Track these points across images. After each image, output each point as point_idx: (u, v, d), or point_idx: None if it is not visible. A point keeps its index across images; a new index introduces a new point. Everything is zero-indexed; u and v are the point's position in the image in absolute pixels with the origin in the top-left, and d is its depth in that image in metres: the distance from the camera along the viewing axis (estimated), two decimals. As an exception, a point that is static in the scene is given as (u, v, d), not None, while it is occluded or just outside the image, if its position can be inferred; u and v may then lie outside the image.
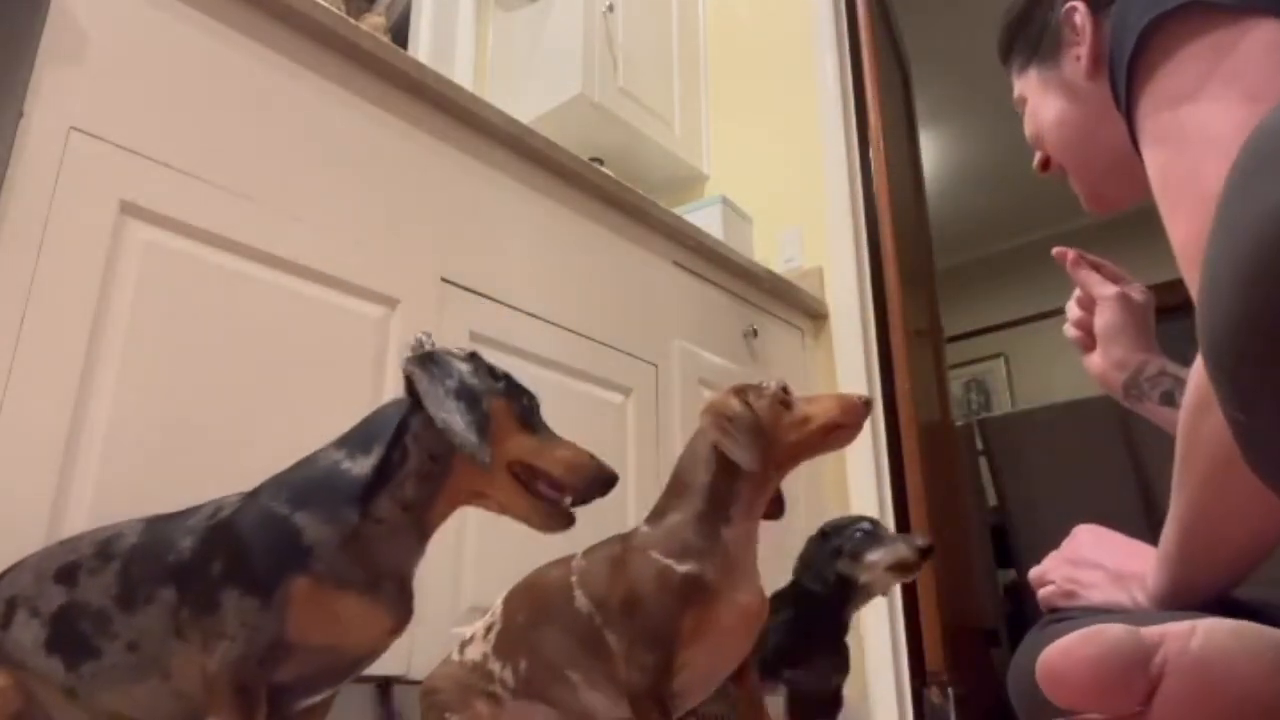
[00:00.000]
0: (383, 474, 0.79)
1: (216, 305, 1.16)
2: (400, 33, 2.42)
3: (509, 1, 2.61)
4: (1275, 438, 0.40)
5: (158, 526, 0.82)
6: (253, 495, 0.81)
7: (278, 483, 0.81)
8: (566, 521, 0.84)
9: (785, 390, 1.00)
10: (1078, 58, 0.83)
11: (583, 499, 0.85)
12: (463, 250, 1.50)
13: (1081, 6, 0.82)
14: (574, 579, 0.96)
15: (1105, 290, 0.92)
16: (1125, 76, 0.65)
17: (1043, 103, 0.89)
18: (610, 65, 2.44)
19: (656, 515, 0.98)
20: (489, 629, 1.03)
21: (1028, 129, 0.93)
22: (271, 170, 1.26)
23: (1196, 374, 0.57)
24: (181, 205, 1.15)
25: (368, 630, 0.78)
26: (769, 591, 1.02)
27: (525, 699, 0.99)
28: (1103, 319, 0.92)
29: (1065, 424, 2.82)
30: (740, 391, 0.99)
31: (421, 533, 0.82)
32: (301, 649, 0.75)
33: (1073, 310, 0.97)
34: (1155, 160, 0.64)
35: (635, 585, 0.91)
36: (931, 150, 4.54)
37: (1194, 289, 0.56)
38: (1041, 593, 0.87)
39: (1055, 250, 0.98)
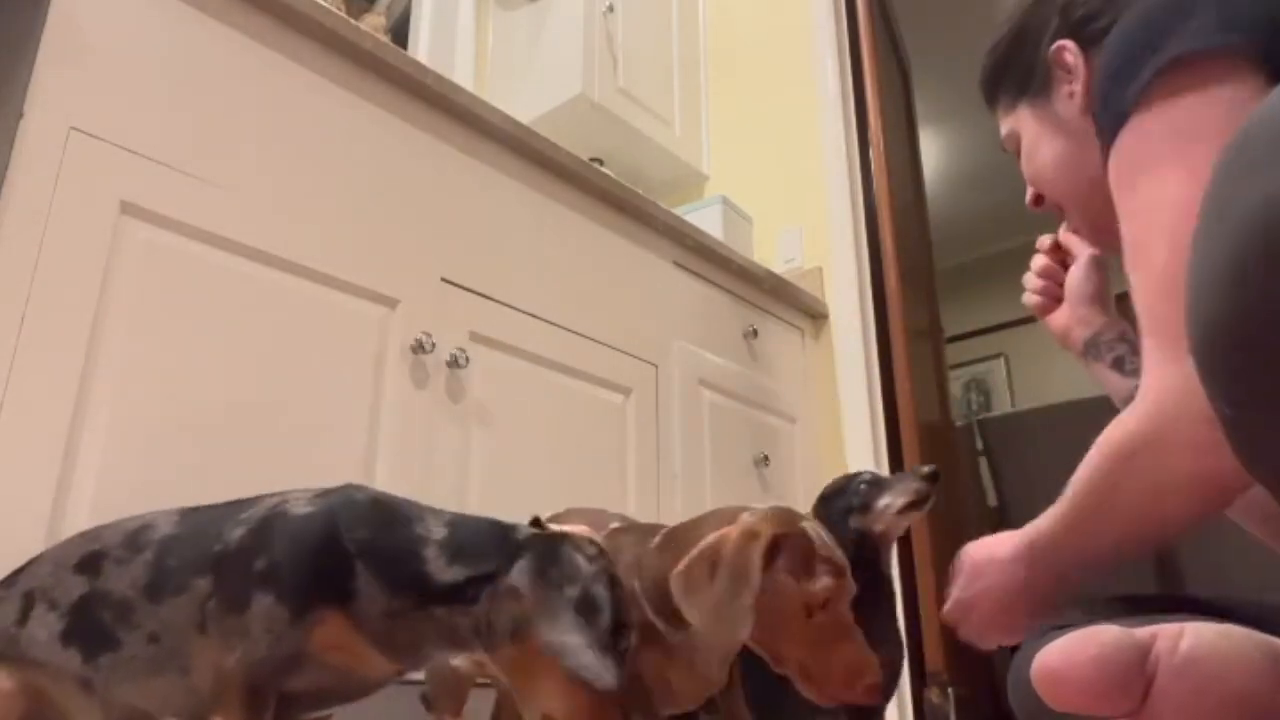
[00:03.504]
0: (450, 595, 0.73)
1: (216, 305, 1.16)
2: (400, 33, 2.42)
3: (509, 1, 2.61)
4: (1262, 432, 0.40)
5: (198, 517, 0.80)
6: (329, 505, 0.76)
7: (362, 513, 0.76)
8: None
9: (827, 604, 0.81)
10: (1071, 95, 0.83)
11: None
12: (463, 250, 1.50)
13: (1071, 44, 0.82)
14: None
15: (1085, 251, 0.97)
16: (1103, 130, 0.68)
17: (1039, 141, 0.89)
18: (610, 65, 2.44)
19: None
20: None
21: (1025, 168, 0.93)
22: (271, 170, 1.26)
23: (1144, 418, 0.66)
24: (181, 205, 1.15)
25: (379, 672, 0.77)
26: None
27: None
28: (1075, 277, 0.96)
29: (1065, 424, 2.81)
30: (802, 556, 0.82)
31: (455, 647, 0.76)
32: (319, 664, 0.74)
33: (1032, 280, 1.01)
34: (1120, 219, 0.67)
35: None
36: (931, 150, 4.53)
37: (1148, 350, 0.65)
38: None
39: (1044, 244, 1.03)
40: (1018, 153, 0.94)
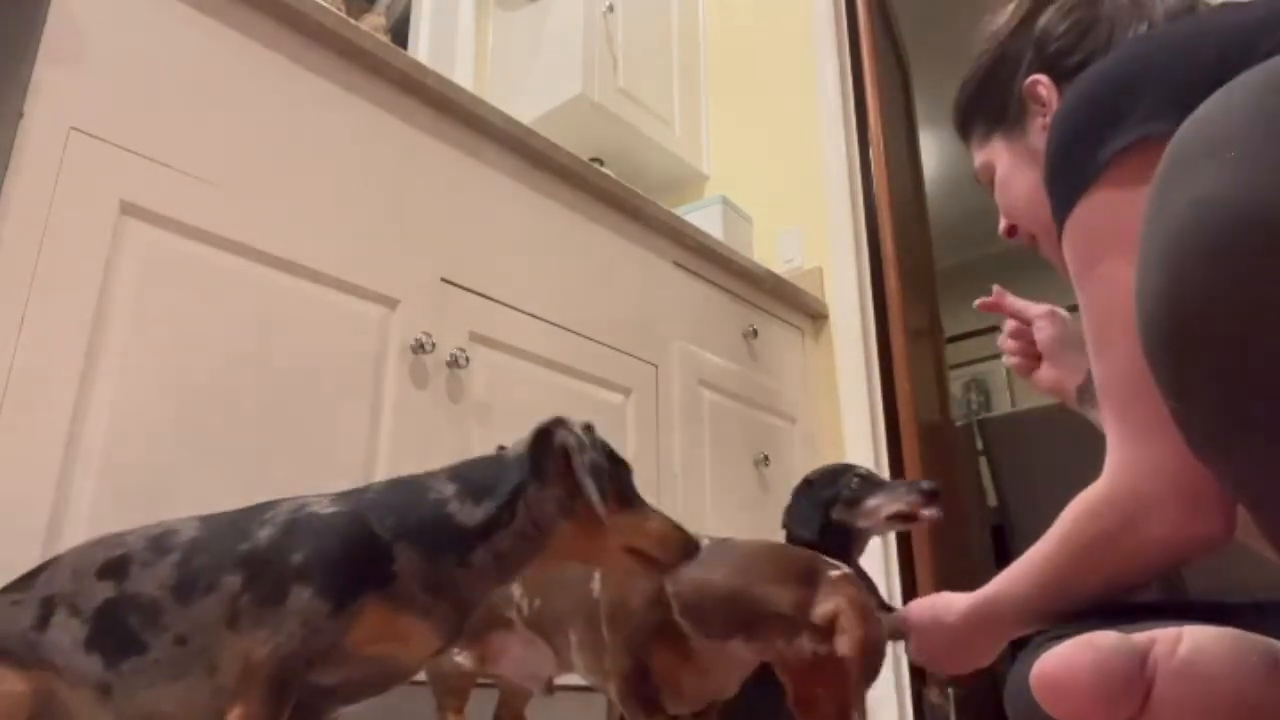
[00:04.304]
0: (489, 529, 0.80)
1: (216, 305, 1.16)
2: (400, 33, 2.42)
3: (509, 1, 2.61)
4: (1206, 422, 0.42)
5: (219, 521, 0.81)
6: (352, 504, 0.81)
7: (384, 503, 0.81)
8: (663, 573, 0.89)
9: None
10: (1044, 128, 0.83)
11: (669, 570, 0.88)
12: (463, 250, 1.50)
13: (1045, 78, 0.83)
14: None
15: (1037, 309, 1.01)
16: (1054, 205, 0.68)
17: (1012, 173, 0.90)
18: (610, 65, 2.44)
19: (720, 557, 0.92)
20: None
21: (998, 199, 0.94)
22: (271, 170, 1.26)
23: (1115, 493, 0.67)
24: (181, 205, 1.15)
25: (422, 649, 0.79)
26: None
27: (534, 631, 1.02)
28: (1044, 334, 1.00)
29: (1065, 424, 2.80)
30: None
31: (502, 577, 0.83)
32: (355, 657, 0.76)
33: (1006, 342, 1.05)
34: (1080, 303, 0.69)
35: (628, 602, 0.91)
36: (931, 150, 4.53)
37: (1113, 431, 0.67)
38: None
39: (978, 302, 1.08)
40: (991, 184, 0.95)
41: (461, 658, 1.06)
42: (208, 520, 0.82)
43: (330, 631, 0.73)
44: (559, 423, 0.84)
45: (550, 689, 1.12)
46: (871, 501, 1.17)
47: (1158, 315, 0.41)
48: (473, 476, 0.83)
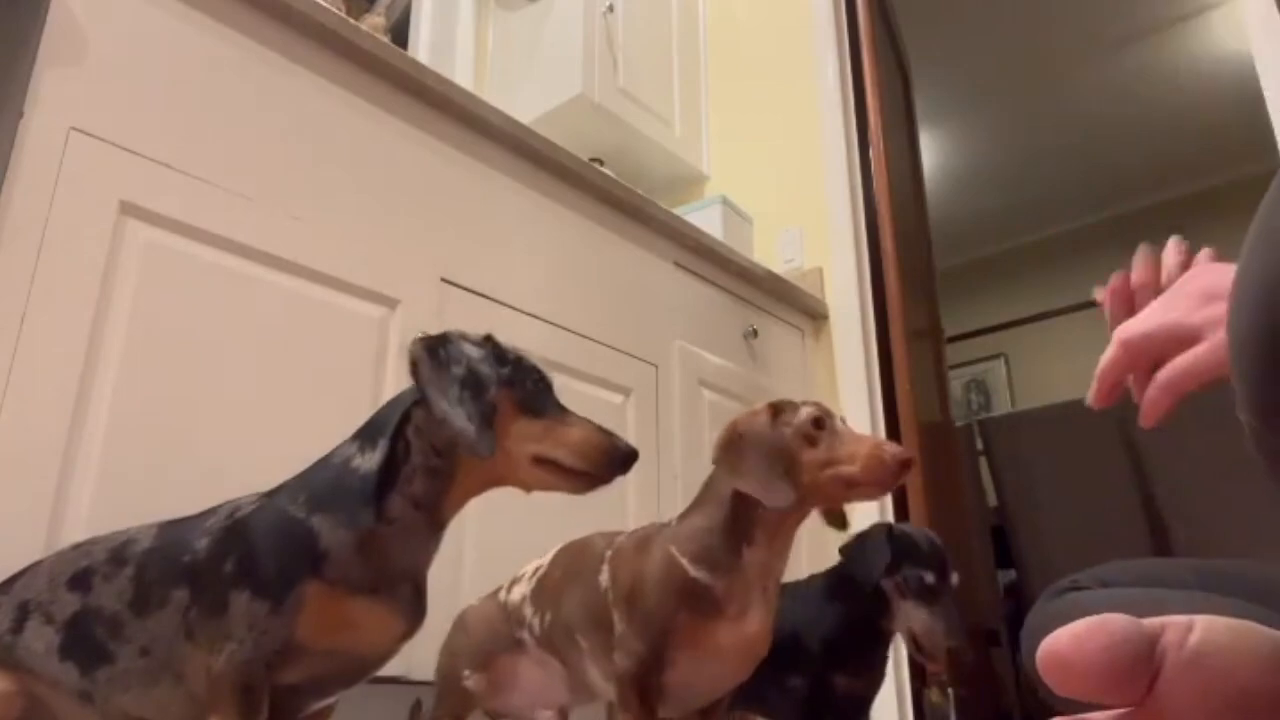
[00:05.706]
0: (390, 470, 0.77)
1: (216, 305, 1.16)
2: (400, 33, 2.42)
3: (509, 1, 2.61)
4: None
5: (172, 530, 0.81)
6: (271, 495, 0.80)
7: (298, 482, 0.79)
8: (594, 485, 0.81)
9: (817, 422, 0.90)
10: None
11: (600, 481, 0.80)
12: (463, 250, 1.50)
13: None
14: (608, 554, 0.96)
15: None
16: None
17: None
18: (610, 65, 2.44)
19: (690, 511, 0.96)
20: (536, 571, 1.05)
21: None
22: (271, 170, 1.26)
23: None
24: (181, 205, 1.15)
25: (380, 634, 0.77)
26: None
27: (546, 649, 1.01)
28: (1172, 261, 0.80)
29: (1065, 424, 2.82)
30: (776, 410, 0.91)
31: (434, 528, 0.80)
32: (312, 652, 0.74)
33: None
34: None
35: (644, 573, 0.91)
36: (931, 150, 4.53)
37: None
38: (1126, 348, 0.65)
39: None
40: None
41: (470, 682, 1.05)
42: (164, 529, 0.82)
43: (278, 629, 0.72)
44: (418, 339, 0.79)
45: (564, 718, 1.10)
46: (917, 616, 1.10)
47: (1252, 333, 0.39)
48: (369, 425, 0.81)
